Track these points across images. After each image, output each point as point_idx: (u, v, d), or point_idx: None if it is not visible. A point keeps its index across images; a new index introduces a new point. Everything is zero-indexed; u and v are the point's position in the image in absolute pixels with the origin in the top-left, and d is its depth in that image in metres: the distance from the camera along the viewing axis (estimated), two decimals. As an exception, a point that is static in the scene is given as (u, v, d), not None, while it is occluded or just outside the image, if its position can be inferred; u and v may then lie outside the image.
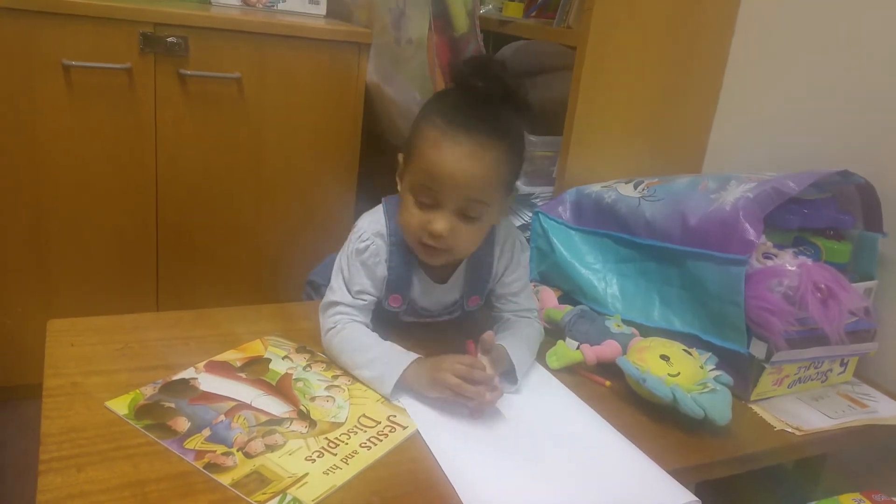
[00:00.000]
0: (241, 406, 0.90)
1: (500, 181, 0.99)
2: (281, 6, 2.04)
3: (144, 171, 1.73)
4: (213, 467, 0.78)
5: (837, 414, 1.09)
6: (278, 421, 0.88)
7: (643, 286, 1.22)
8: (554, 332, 1.17)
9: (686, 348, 1.05)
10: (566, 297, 1.30)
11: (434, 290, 1.10)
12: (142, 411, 0.86)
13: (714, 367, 1.03)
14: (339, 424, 0.89)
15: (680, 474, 0.88)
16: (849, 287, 1.06)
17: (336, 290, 1.06)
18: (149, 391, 0.90)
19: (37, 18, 1.54)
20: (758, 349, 1.06)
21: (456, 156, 0.94)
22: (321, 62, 1.82)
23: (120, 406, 0.86)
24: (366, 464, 0.82)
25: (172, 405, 0.88)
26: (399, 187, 1.04)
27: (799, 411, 1.09)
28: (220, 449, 0.81)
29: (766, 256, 1.09)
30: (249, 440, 0.84)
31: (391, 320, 1.12)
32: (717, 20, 1.48)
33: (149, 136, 1.71)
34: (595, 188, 1.33)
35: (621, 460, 0.90)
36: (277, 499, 0.75)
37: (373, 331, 1.05)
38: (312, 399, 0.94)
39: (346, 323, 1.03)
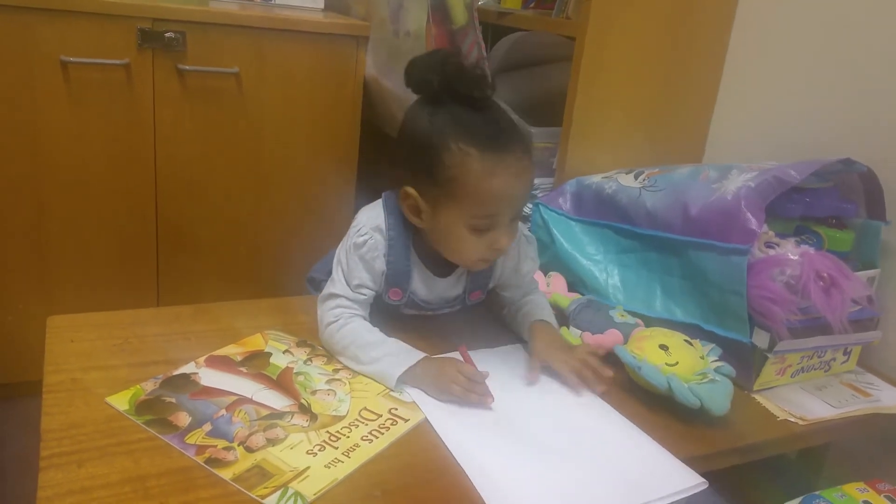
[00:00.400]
0: (242, 400, 0.90)
1: None
2: (278, 0, 2.03)
3: (143, 166, 1.73)
4: (215, 462, 0.78)
5: (841, 403, 1.08)
6: (279, 415, 0.88)
7: (645, 277, 1.22)
8: (558, 318, 1.17)
9: (688, 339, 1.05)
10: (569, 289, 1.29)
11: (435, 283, 1.10)
12: (142, 407, 0.86)
13: (717, 358, 1.03)
14: (341, 418, 0.89)
15: (683, 465, 0.88)
16: (851, 275, 1.06)
17: (336, 282, 1.05)
18: (149, 386, 0.90)
19: (34, 15, 1.53)
20: (760, 339, 1.06)
21: (510, 178, 0.96)
22: (319, 56, 1.81)
23: (120, 402, 0.86)
24: (367, 457, 0.82)
25: (173, 400, 0.88)
26: (420, 219, 1.01)
27: (802, 401, 1.08)
28: (222, 443, 0.81)
29: (768, 245, 1.08)
30: (250, 434, 0.83)
31: (392, 313, 1.11)
32: (717, 9, 1.47)
33: (147, 131, 1.70)
34: (595, 179, 1.33)
35: (630, 445, 0.91)
36: (279, 493, 0.74)
37: (372, 324, 1.05)
38: (313, 393, 0.94)
39: (349, 318, 1.03)
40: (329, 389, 0.95)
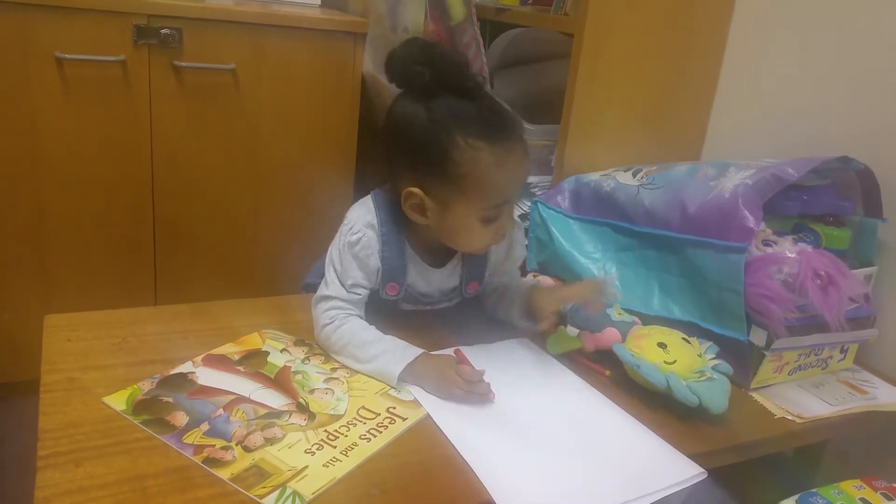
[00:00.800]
0: (240, 399, 0.90)
1: None
2: (275, -4, 2.02)
3: (140, 164, 1.72)
4: (212, 462, 0.78)
5: (838, 401, 1.09)
6: (277, 414, 0.88)
7: (643, 275, 1.22)
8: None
9: (686, 337, 1.05)
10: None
11: (431, 274, 1.10)
12: (139, 406, 0.86)
13: (714, 356, 1.03)
14: (339, 417, 0.89)
15: (681, 463, 0.88)
16: (848, 273, 1.06)
17: (330, 283, 1.05)
18: (146, 386, 0.90)
19: (29, 11, 1.53)
20: (758, 337, 1.06)
21: (517, 165, 0.98)
22: (317, 52, 1.81)
23: (117, 402, 0.86)
24: (365, 456, 0.82)
25: (170, 400, 0.88)
26: (424, 217, 1.01)
27: (799, 398, 1.09)
28: (219, 443, 0.81)
29: (766, 243, 1.08)
30: (248, 434, 0.83)
31: (390, 309, 1.11)
32: (716, 7, 1.47)
33: (144, 128, 1.70)
34: (594, 177, 1.33)
35: (630, 437, 0.92)
36: (277, 492, 0.74)
37: (368, 323, 1.04)
38: (311, 391, 0.94)
39: (344, 318, 1.03)
40: (327, 388, 0.95)
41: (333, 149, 1.91)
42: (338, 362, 1.02)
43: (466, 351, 1.04)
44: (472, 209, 0.98)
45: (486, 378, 0.96)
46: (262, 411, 0.88)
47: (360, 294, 1.05)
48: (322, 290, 1.05)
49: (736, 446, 0.97)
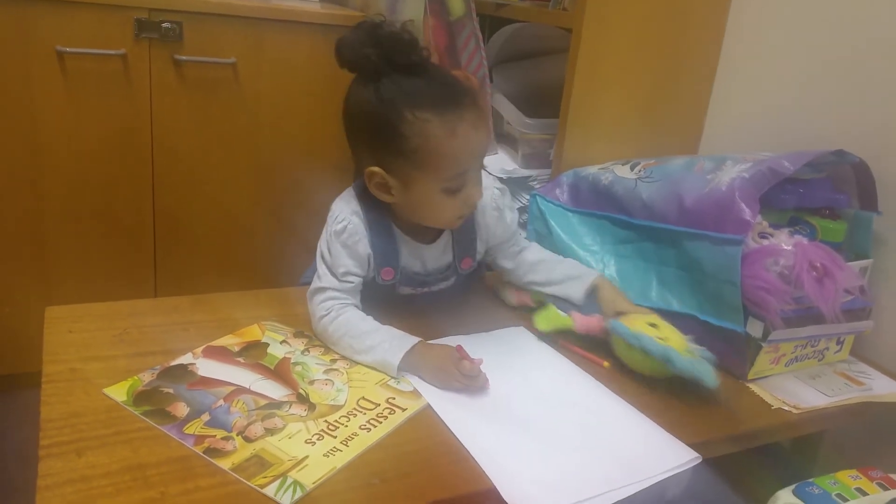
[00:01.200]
0: (240, 390, 0.91)
1: None
2: (275, -10, 2.02)
3: (140, 157, 1.73)
4: (213, 452, 0.79)
5: (834, 392, 1.09)
6: (277, 404, 0.89)
7: (641, 267, 1.22)
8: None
9: (671, 326, 1.06)
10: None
11: (423, 251, 1.10)
12: (140, 398, 0.87)
13: (697, 346, 1.04)
14: (339, 407, 0.90)
15: (677, 453, 0.89)
16: (844, 266, 1.06)
17: (322, 276, 1.06)
18: (147, 377, 0.91)
19: (30, 5, 1.53)
20: (754, 328, 1.06)
21: (471, 131, 0.97)
22: (317, 46, 1.81)
23: (118, 393, 0.87)
24: (365, 446, 0.83)
25: (171, 391, 0.89)
26: (390, 195, 1.02)
27: (796, 389, 1.09)
28: (220, 433, 0.82)
29: (762, 236, 1.09)
30: (249, 424, 0.84)
31: (387, 295, 1.12)
32: (713, 1, 1.47)
33: (144, 122, 1.70)
34: (592, 170, 1.33)
35: (626, 423, 0.94)
36: (278, 482, 0.75)
37: (364, 311, 1.05)
38: (311, 382, 0.95)
39: (340, 309, 1.03)
40: (327, 379, 0.96)
41: (333, 142, 1.92)
42: (337, 353, 1.02)
43: (464, 339, 1.04)
44: (433, 182, 0.98)
45: (485, 366, 0.97)
46: (263, 402, 0.89)
47: (352, 282, 1.05)
48: (315, 283, 1.06)
49: (733, 436, 0.97)
